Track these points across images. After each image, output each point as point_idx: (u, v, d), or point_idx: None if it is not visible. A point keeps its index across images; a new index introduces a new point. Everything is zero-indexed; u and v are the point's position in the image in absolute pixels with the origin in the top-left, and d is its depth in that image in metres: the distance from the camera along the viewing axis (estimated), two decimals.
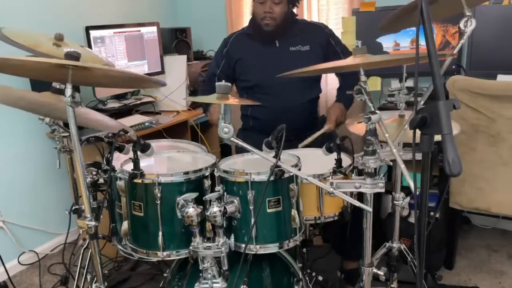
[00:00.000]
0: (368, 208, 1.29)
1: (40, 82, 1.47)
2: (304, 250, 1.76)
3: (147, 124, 2.49)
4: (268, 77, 2.00)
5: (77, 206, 1.79)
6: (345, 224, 1.57)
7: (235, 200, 1.35)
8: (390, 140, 1.17)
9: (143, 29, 2.78)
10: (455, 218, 2.26)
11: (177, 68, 2.90)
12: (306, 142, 1.93)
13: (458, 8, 1.12)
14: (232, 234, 1.39)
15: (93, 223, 1.28)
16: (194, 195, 1.32)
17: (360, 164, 1.26)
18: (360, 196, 1.34)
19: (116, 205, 1.56)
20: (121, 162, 1.47)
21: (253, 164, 1.49)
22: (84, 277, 1.79)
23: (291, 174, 1.36)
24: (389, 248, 1.70)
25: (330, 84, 2.86)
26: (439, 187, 2.22)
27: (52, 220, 2.66)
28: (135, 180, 1.36)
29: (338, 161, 1.46)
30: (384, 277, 1.53)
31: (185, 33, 3.09)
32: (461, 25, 1.13)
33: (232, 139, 1.23)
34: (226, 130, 1.22)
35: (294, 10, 2.16)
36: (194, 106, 2.94)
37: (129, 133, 1.41)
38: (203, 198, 1.34)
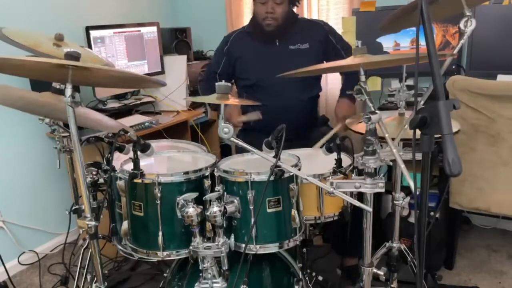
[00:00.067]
0: (368, 208, 1.29)
1: (40, 82, 1.47)
2: (304, 250, 1.76)
3: (147, 124, 2.49)
4: (268, 76, 2.01)
5: (77, 206, 1.79)
6: (345, 224, 1.57)
7: (235, 200, 1.35)
8: (390, 140, 1.17)
9: (143, 29, 2.78)
10: (455, 218, 2.26)
11: (177, 68, 2.90)
12: (319, 143, 1.92)
13: (458, 8, 1.12)
14: (232, 234, 1.39)
15: (93, 223, 1.28)
16: (194, 195, 1.32)
17: (360, 164, 1.26)
18: (360, 196, 1.34)
19: (116, 205, 1.56)
20: (121, 162, 1.47)
21: (253, 164, 1.49)
22: (84, 277, 1.79)
23: (291, 174, 1.36)
24: (389, 248, 1.70)
25: (330, 83, 2.86)
26: (439, 187, 2.22)
27: (52, 220, 2.66)
28: (135, 180, 1.36)
29: (338, 161, 1.46)
30: (384, 277, 1.53)
31: (185, 33, 3.09)
32: (461, 25, 1.13)
33: (232, 139, 1.23)
34: (226, 130, 1.22)
35: (294, 10, 2.16)
36: (194, 106, 2.94)
37: (129, 133, 1.41)
38: (203, 198, 1.34)
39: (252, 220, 1.35)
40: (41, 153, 2.57)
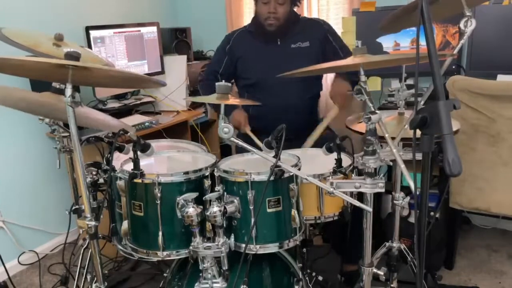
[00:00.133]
0: (368, 208, 1.29)
1: (40, 82, 1.47)
2: (304, 250, 1.76)
3: (147, 124, 2.49)
4: (269, 75, 2.01)
5: (77, 206, 1.79)
6: (345, 224, 1.56)
7: (235, 200, 1.35)
8: (390, 140, 1.17)
9: (143, 29, 2.78)
10: (455, 218, 2.26)
11: (177, 68, 2.90)
12: (316, 132, 1.89)
13: (458, 8, 1.12)
14: (232, 234, 1.39)
15: (93, 223, 1.28)
16: (194, 195, 1.32)
17: (360, 164, 1.26)
18: (360, 196, 1.34)
19: (116, 205, 1.56)
20: (121, 162, 1.47)
21: (253, 164, 1.49)
22: (84, 277, 1.79)
23: (291, 174, 1.36)
24: (389, 248, 1.70)
25: (330, 84, 2.86)
26: (439, 187, 2.22)
27: (52, 220, 2.66)
28: (135, 180, 1.36)
29: (338, 161, 1.46)
30: (384, 277, 1.53)
31: (185, 33, 3.09)
32: (461, 25, 1.13)
33: (232, 139, 1.23)
34: (226, 130, 1.22)
35: (295, 9, 2.17)
36: (194, 106, 2.94)
37: (129, 133, 1.41)
38: (203, 198, 1.34)
39: (252, 220, 1.35)
40: (41, 153, 2.57)
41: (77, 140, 1.21)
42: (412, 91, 1.55)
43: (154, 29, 2.84)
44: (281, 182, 1.36)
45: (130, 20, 2.87)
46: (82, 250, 1.84)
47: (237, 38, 2.21)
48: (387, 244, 1.70)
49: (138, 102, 2.78)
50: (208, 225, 1.40)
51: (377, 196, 2.32)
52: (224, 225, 1.34)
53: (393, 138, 1.26)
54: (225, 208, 1.31)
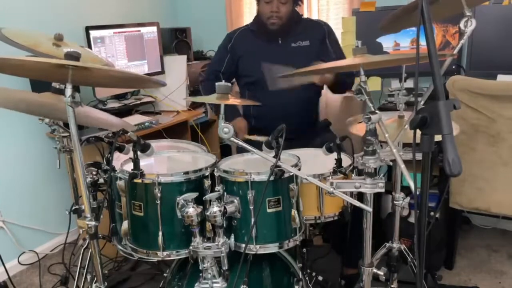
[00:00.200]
0: (368, 208, 1.29)
1: (40, 82, 1.47)
2: (304, 250, 1.76)
3: (147, 124, 2.49)
4: None
5: (77, 206, 1.79)
6: (345, 224, 1.56)
7: (235, 200, 1.35)
8: (390, 140, 1.17)
9: (143, 29, 2.78)
10: (455, 218, 2.26)
11: (177, 68, 2.90)
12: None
13: (458, 8, 1.12)
14: (232, 234, 1.39)
15: (93, 223, 1.27)
16: (194, 195, 1.32)
17: (360, 164, 1.25)
18: (360, 196, 1.34)
19: (116, 205, 1.56)
20: (121, 162, 1.47)
21: (253, 164, 1.49)
22: (84, 277, 1.79)
23: (291, 174, 1.35)
24: (389, 248, 1.70)
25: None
26: (439, 187, 2.22)
27: (52, 220, 2.66)
28: (135, 180, 1.36)
29: (338, 161, 1.46)
30: (384, 277, 1.53)
31: (185, 33, 3.09)
32: (461, 25, 1.13)
33: (232, 139, 1.23)
34: (226, 130, 1.21)
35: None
36: (194, 106, 2.94)
37: (129, 133, 1.41)
38: (203, 198, 1.34)
39: (252, 220, 1.35)
40: (41, 153, 2.57)
41: (77, 140, 1.21)
42: (412, 94, 1.55)
43: (154, 29, 2.84)
44: (281, 182, 1.36)
45: (130, 20, 2.87)
46: (82, 250, 1.84)
47: (239, 37, 2.22)
48: (387, 244, 1.70)
49: (138, 102, 2.78)
50: (208, 225, 1.40)
51: (377, 196, 2.32)
52: (224, 225, 1.34)
53: None
54: (225, 208, 1.31)
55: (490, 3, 2.30)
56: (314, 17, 2.92)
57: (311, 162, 1.64)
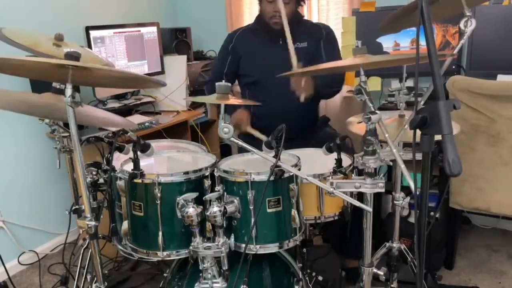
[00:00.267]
0: (368, 208, 1.29)
1: (40, 83, 1.47)
2: (304, 250, 1.76)
3: (147, 124, 2.49)
4: (269, 74, 2.01)
5: (77, 206, 1.79)
6: (345, 224, 1.56)
7: (235, 200, 1.35)
8: (390, 140, 1.17)
9: (143, 29, 2.78)
10: (455, 218, 2.26)
11: (177, 68, 2.90)
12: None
13: (458, 8, 1.12)
14: (232, 234, 1.39)
15: (93, 223, 1.27)
16: (194, 195, 1.32)
17: (360, 164, 1.26)
18: (360, 196, 1.34)
19: (116, 205, 1.56)
20: (121, 162, 1.47)
21: (253, 164, 1.49)
22: (84, 277, 1.79)
23: (291, 174, 1.36)
24: (389, 248, 1.70)
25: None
26: (439, 187, 2.22)
27: (52, 220, 2.66)
28: (135, 180, 1.36)
29: (338, 161, 1.46)
30: (384, 277, 1.53)
31: (185, 33, 3.09)
32: (461, 25, 1.13)
33: (232, 139, 1.23)
34: (226, 130, 1.21)
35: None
36: (194, 106, 2.94)
37: (129, 133, 1.41)
38: (203, 198, 1.34)
39: (252, 220, 1.35)
40: (41, 153, 2.57)
41: (77, 140, 1.21)
42: (412, 94, 1.55)
43: (154, 29, 2.84)
44: (281, 182, 1.36)
45: (130, 20, 2.87)
46: (82, 250, 1.84)
47: (240, 37, 2.22)
48: (387, 244, 1.70)
49: (138, 102, 2.78)
50: (208, 225, 1.40)
51: (377, 196, 2.32)
52: (224, 225, 1.35)
53: None
54: (225, 208, 1.31)
55: (490, 3, 2.30)
56: (314, 17, 2.92)
57: (311, 162, 1.64)
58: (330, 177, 1.46)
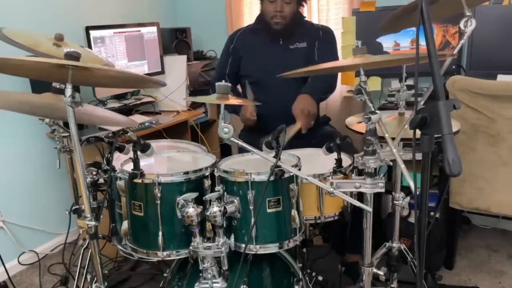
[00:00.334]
0: (368, 208, 1.29)
1: (40, 83, 1.47)
2: (304, 250, 1.76)
3: (147, 124, 2.49)
4: (270, 74, 2.01)
5: (77, 206, 1.79)
6: (345, 224, 1.56)
7: (235, 200, 1.35)
8: (390, 140, 1.17)
9: (143, 29, 2.78)
10: (455, 218, 2.26)
11: (177, 68, 2.90)
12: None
13: (458, 8, 1.12)
14: (232, 234, 1.39)
15: (93, 223, 1.27)
16: (194, 195, 1.32)
17: (360, 164, 1.26)
18: (360, 196, 1.34)
19: (116, 205, 1.56)
20: (121, 162, 1.47)
21: (253, 164, 1.49)
22: (84, 277, 1.79)
23: (291, 174, 1.36)
24: (389, 248, 1.70)
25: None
26: (439, 187, 2.22)
27: (52, 220, 2.66)
28: (135, 180, 1.36)
29: (338, 161, 1.46)
30: (384, 277, 1.53)
31: (185, 33, 3.09)
32: (461, 25, 1.13)
33: (232, 139, 1.23)
34: (226, 130, 1.21)
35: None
36: (194, 106, 2.94)
37: (129, 133, 1.41)
38: (203, 198, 1.34)
39: (252, 220, 1.35)
40: (41, 153, 2.57)
41: (77, 140, 1.21)
42: (412, 91, 1.55)
43: (154, 29, 2.84)
44: (281, 182, 1.36)
45: (130, 20, 2.87)
46: (82, 250, 1.84)
47: (240, 38, 2.23)
48: (387, 244, 1.70)
49: (138, 102, 2.78)
50: (208, 225, 1.40)
51: (377, 196, 2.32)
52: (224, 225, 1.35)
53: (393, 139, 1.26)
54: (225, 208, 1.31)
55: (490, 3, 2.30)
56: (314, 17, 2.91)
57: (311, 162, 1.64)
58: (330, 177, 1.46)
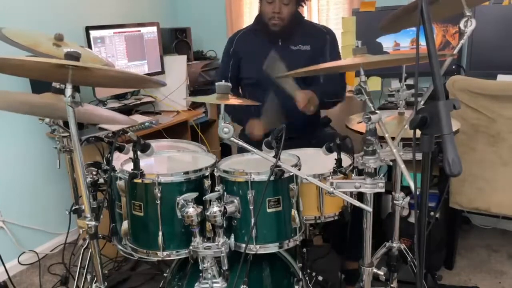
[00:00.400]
0: (368, 208, 1.29)
1: (40, 83, 1.47)
2: (304, 250, 1.76)
3: (147, 124, 2.49)
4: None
5: (77, 206, 1.79)
6: (345, 224, 1.56)
7: (235, 200, 1.35)
8: (390, 140, 1.17)
9: (143, 29, 2.78)
10: (455, 218, 2.26)
11: (177, 68, 2.90)
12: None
13: (458, 8, 1.12)
14: (232, 234, 1.39)
15: (93, 223, 1.27)
16: (194, 195, 1.32)
17: (360, 164, 1.26)
18: (360, 196, 1.34)
19: (116, 205, 1.56)
20: (121, 162, 1.47)
21: (253, 164, 1.49)
22: (84, 277, 1.79)
23: (291, 174, 1.35)
24: (389, 248, 1.70)
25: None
26: (439, 187, 2.22)
27: (52, 220, 2.66)
28: (135, 180, 1.36)
29: (338, 161, 1.46)
30: (384, 277, 1.53)
31: (185, 33, 3.09)
32: (461, 25, 1.13)
33: (232, 139, 1.23)
34: (226, 130, 1.21)
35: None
36: (194, 106, 2.94)
37: (129, 133, 1.41)
38: (203, 198, 1.33)
39: (252, 220, 1.35)
40: (41, 153, 2.57)
41: (77, 140, 1.21)
42: (412, 91, 1.55)
43: (154, 29, 2.84)
44: (281, 182, 1.36)
45: (130, 20, 2.87)
46: (82, 250, 1.84)
47: (240, 39, 2.22)
48: (387, 244, 1.70)
49: (138, 102, 2.78)
50: (208, 225, 1.40)
51: (377, 196, 2.32)
52: (224, 225, 1.34)
53: (393, 138, 1.26)
54: (225, 208, 1.31)
55: (490, 3, 2.30)
56: (314, 17, 2.92)
57: (311, 162, 1.64)
58: (330, 177, 1.46)
